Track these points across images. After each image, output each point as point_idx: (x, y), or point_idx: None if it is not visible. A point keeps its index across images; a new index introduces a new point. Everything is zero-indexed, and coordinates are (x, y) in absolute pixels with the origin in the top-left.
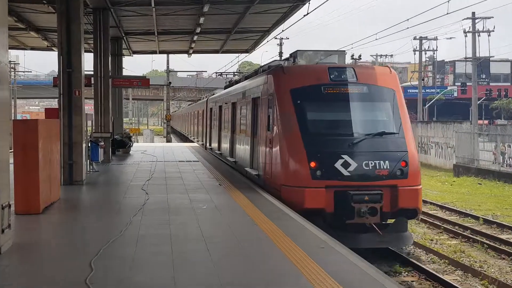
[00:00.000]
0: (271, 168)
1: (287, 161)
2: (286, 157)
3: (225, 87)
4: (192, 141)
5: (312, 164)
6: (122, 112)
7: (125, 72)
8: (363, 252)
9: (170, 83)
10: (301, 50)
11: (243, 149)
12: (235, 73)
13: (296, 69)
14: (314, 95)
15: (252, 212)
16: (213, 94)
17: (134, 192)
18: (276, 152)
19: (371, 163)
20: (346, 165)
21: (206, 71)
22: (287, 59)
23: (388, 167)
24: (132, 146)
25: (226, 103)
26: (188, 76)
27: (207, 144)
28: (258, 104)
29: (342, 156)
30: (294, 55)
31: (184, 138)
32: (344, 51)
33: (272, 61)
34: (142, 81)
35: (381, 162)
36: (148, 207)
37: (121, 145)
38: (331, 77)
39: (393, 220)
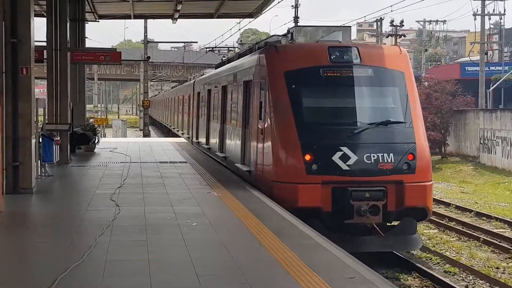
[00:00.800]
0: (263, 163)
1: (279, 154)
2: (278, 150)
3: (216, 66)
4: (177, 135)
5: (307, 157)
6: (85, 97)
7: (89, 43)
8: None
9: (148, 58)
10: (300, 25)
11: (233, 141)
12: (230, 48)
13: (292, 48)
14: (311, 79)
15: (256, 228)
16: (202, 75)
17: (101, 203)
18: (267, 144)
19: (374, 156)
20: (345, 158)
21: (196, 42)
22: (285, 35)
23: (392, 161)
24: (97, 142)
25: (215, 87)
26: (172, 50)
27: (194, 138)
28: (250, 88)
29: (341, 148)
30: (291, 32)
31: (166, 131)
32: (349, 27)
33: (271, 36)
34: (111, 55)
35: (385, 155)
36: (119, 224)
37: (83, 141)
38: (332, 58)
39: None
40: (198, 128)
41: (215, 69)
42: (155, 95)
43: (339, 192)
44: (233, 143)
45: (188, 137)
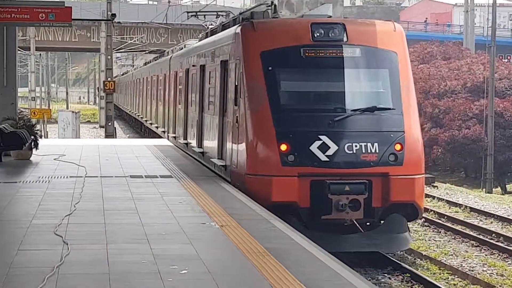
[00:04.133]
0: (237, 155)
1: (253, 143)
2: (251, 139)
3: (201, 38)
4: (157, 135)
5: (283, 147)
6: (16, 77)
7: None
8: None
9: (114, 16)
10: None
11: (211, 133)
12: (219, 13)
13: (270, 25)
14: (290, 60)
15: (279, 279)
16: (182, 48)
17: (40, 240)
18: (241, 134)
19: (356, 146)
20: (324, 148)
21: None
22: (269, 5)
23: (377, 151)
24: (36, 145)
25: (193, 66)
26: (150, 4)
27: (170, 131)
28: (227, 70)
29: (320, 136)
30: (274, 4)
31: (139, 128)
32: None
33: (259, 4)
34: (56, 13)
35: (369, 144)
36: (68, 271)
37: (13, 144)
38: (315, 36)
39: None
40: (175, 119)
41: (199, 41)
42: (123, 74)
43: (316, 186)
44: (211, 135)
45: (164, 132)
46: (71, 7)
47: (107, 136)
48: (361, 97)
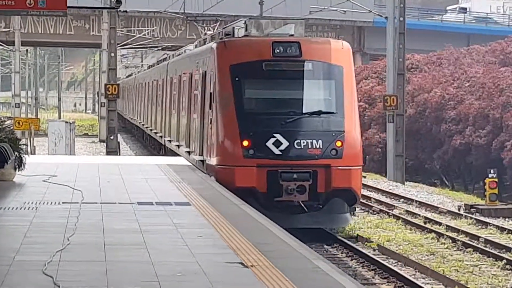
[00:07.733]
0: (211, 151)
1: (222, 141)
2: (220, 137)
3: (195, 46)
4: (158, 141)
5: (245, 143)
6: None
7: None
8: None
9: (119, 3)
10: (253, 18)
11: (196, 134)
12: (218, 18)
13: (238, 43)
14: (253, 72)
15: None
16: (179, 55)
17: (25, 280)
18: (214, 133)
19: (303, 142)
20: (277, 144)
21: None
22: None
23: (321, 147)
24: (21, 163)
25: (184, 73)
26: None
27: (166, 136)
28: (206, 79)
29: (275, 135)
30: (246, 24)
31: (146, 141)
32: (303, 19)
33: (240, 20)
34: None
35: (314, 141)
36: None
37: None
38: (275, 52)
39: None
40: (170, 123)
41: (194, 48)
42: (128, 76)
43: (271, 174)
44: (196, 136)
45: (161, 136)
46: None
47: (109, 152)
48: (310, 103)
